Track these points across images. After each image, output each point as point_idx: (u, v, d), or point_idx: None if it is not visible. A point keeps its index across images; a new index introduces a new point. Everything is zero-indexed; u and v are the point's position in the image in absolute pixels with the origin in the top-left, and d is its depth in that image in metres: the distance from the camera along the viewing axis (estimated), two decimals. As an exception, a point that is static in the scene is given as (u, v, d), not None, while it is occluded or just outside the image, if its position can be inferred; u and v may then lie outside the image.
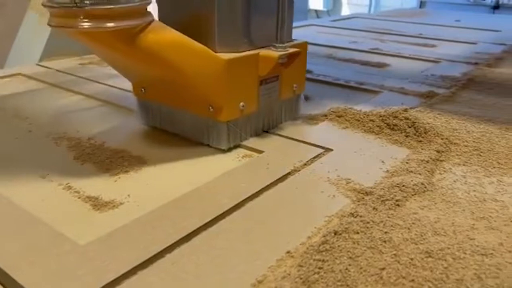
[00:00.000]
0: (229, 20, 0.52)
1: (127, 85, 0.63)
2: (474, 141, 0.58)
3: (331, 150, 0.55)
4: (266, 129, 0.60)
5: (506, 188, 0.47)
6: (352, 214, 0.40)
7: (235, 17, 0.52)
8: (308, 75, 0.90)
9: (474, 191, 0.46)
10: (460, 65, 1.04)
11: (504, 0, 2.43)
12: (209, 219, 0.40)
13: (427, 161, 0.51)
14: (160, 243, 0.36)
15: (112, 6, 0.42)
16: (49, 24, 0.44)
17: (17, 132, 0.60)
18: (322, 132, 0.61)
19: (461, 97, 0.78)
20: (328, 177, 0.48)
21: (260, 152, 0.54)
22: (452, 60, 1.09)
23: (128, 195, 0.45)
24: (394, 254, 0.34)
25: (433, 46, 1.31)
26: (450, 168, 0.51)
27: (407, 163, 0.51)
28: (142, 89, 0.58)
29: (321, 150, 0.55)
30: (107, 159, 0.52)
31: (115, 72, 0.58)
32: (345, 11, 4.71)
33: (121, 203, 0.43)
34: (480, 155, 0.54)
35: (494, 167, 0.52)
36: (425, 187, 0.46)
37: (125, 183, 0.47)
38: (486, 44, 1.34)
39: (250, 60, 0.53)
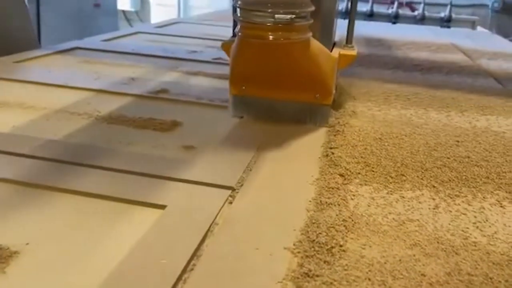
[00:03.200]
0: (326, 26, 0.70)
1: None
2: (361, 156, 0.60)
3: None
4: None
5: (411, 204, 0.49)
6: (306, 274, 0.36)
7: (330, 24, 0.72)
8: (166, 95, 0.82)
9: (390, 213, 0.47)
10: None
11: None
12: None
13: (337, 188, 0.50)
14: None
15: (309, 22, 0.60)
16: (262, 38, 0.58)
17: None
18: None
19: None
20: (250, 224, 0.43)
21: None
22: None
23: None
24: (374, 317, 0.32)
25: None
26: (357, 191, 0.52)
27: (320, 193, 0.49)
28: (244, 87, 0.70)
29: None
30: None
31: None
32: (154, 11, 4.63)
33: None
34: (373, 171, 0.56)
35: (390, 182, 0.54)
36: (352, 220, 0.44)
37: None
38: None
39: (338, 57, 0.70)
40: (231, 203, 0.48)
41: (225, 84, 0.93)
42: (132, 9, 4.51)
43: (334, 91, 0.70)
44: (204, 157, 0.58)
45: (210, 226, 0.43)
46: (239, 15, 0.58)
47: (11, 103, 0.74)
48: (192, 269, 0.37)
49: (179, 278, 0.36)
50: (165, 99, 0.81)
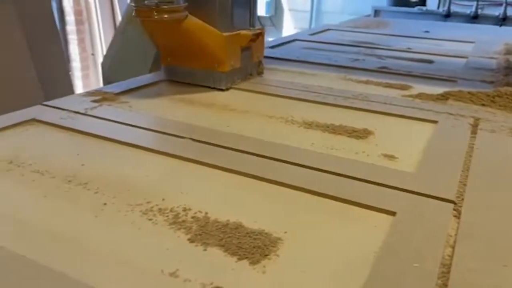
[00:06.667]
0: (224, 14, 0.90)
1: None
2: None
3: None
4: (245, 78, 0.99)
5: None
6: None
7: (227, 12, 0.90)
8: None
9: None
10: (477, 83, 1.05)
11: (455, 9, 2.56)
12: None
13: None
14: None
15: (179, 5, 0.80)
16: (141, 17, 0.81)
17: (88, 206, 0.48)
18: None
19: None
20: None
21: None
22: (465, 78, 1.10)
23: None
24: None
25: (430, 62, 1.32)
26: None
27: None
28: (168, 59, 0.95)
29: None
30: (228, 237, 0.43)
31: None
32: (287, 17, 4.77)
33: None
34: None
35: None
36: None
37: (276, 274, 0.39)
38: (475, 58, 1.38)
39: (236, 36, 0.92)
40: (456, 217, 0.48)
41: (398, 92, 0.93)
42: (267, 15, 4.71)
43: (233, 63, 0.91)
44: (411, 167, 0.59)
45: (446, 238, 0.44)
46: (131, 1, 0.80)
47: (230, 108, 0.84)
48: (444, 277, 0.39)
49: (435, 284, 0.38)
50: (349, 107, 0.84)
